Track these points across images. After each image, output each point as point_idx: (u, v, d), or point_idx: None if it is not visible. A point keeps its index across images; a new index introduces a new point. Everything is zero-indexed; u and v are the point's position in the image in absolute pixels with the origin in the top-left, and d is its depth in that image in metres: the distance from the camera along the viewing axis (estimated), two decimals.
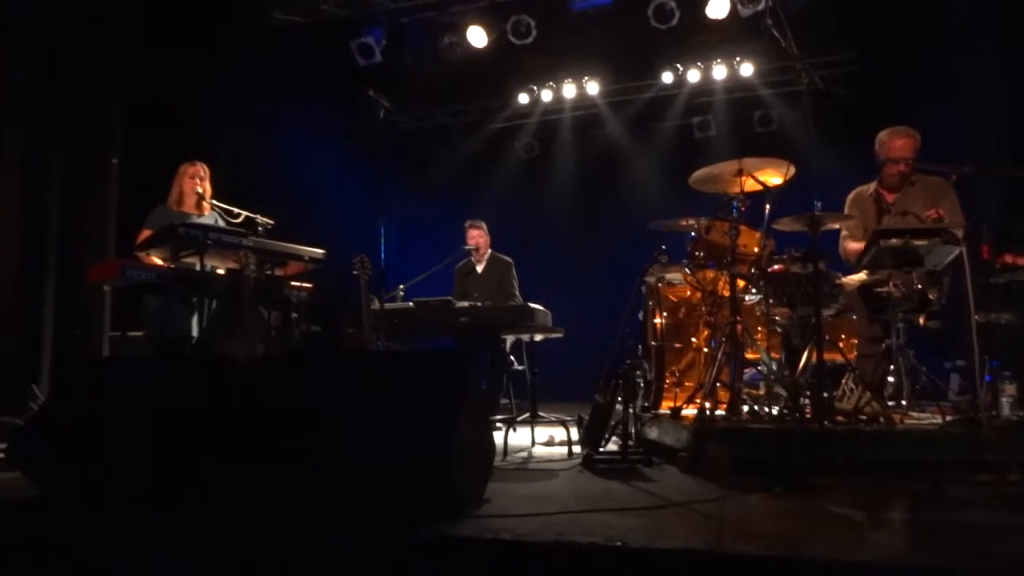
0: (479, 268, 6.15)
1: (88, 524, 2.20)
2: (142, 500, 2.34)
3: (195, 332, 4.50)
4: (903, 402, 3.74)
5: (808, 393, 3.62)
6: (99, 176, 5.19)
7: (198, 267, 3.91)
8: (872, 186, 4.44)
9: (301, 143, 7.38)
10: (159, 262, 4.14)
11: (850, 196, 4.52)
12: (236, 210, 4.48)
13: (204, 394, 2.68)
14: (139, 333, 4.43)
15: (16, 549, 2.19)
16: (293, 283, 4.50)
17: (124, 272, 3.82)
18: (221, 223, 4.50)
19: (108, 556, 2.11)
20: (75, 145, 5.04)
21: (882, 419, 3.29)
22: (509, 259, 6.17)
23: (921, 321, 3.81)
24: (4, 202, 4.71)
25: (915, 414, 3.69)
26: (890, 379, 3.79)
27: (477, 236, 6.10)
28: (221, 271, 4.30)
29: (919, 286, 3.64)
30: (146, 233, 4.44)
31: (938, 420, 3.36)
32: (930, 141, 4.34)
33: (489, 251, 6.19)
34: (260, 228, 4.39)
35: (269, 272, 4.20)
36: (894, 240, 3.52)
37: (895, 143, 4.27)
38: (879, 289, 3.83)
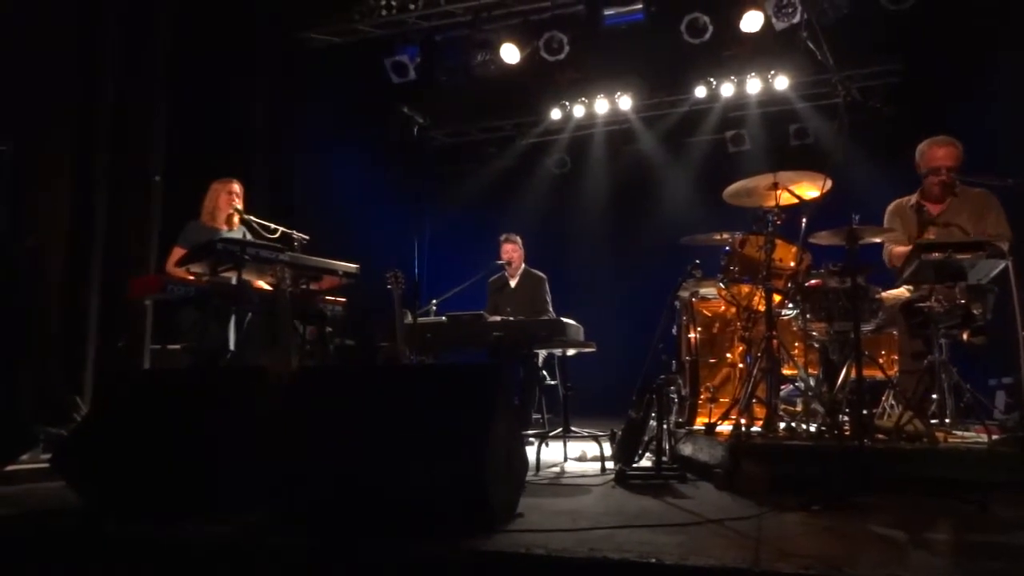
0: (512, 283, 6.15)
1: (124, 535, 2.24)
2: (180, 511, 2.37)
3: (231, 345, 4.58)
4: (946, 420, 3.63)
5: (847, 410, 3.54)
6: (142, 193, 5.31)
7: (234, 281, 3.99)
8: (913, 197, 4.34)
9: (336, 159, 7.51)
10: (191, 277, 4.23)
11: (890, 207, 4.42)
12: (272, 225, 4.56)
13: (240, 407, 2.72)
14: (178, 346, 4.52)
15: (55, 557, 2.24)
16: (328, 297, 4.56)
17: (166, 287, 3.92)
18: (249, 237, 4.60)
19: (144, 568, 2.14)
20: (119, 164, 5.18)
21: (925, 437, 3.20)
22: (542, 275, 6.15)
23: (965, 337, 3.70)
24: (54, 220, 4.87)
25: (959, 432, 3.59)
26: (933, 396, 3.69)
27: (511, 251, 6.11)
28: (262, 285, 4.38)
29: (962, 300, 3.55)
30: (179, 249, 4.55)
31: (984, 439, 3.26)
32: (973, 154, 4.24)
33: (523, 266, 6.18)
34: (296, 243, 4.47)
35: (304, 286, 4.27)
36: (936, 254, 3.44)
37: (936, 152, 4.15)
38: (921, 304, 3.75)
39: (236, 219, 4.77)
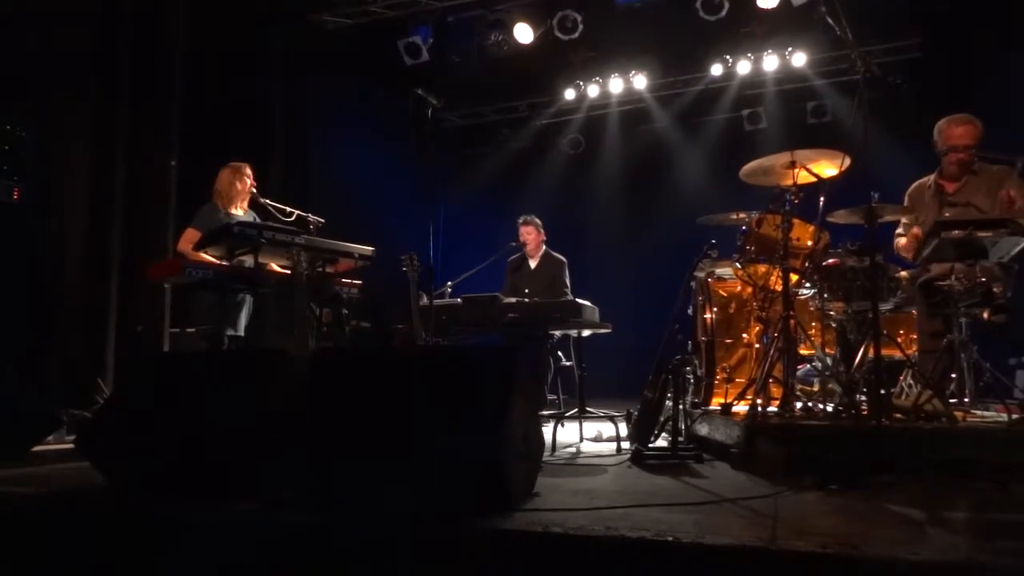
0: (532, 263, 6.14)
1: (147, 514, 2.28)
2: (200, 491, 2.41)
3: (241, 330, 4.62)
4: (966, 400, 3.60)
5: (864, 390, 3.52)
6: (159, 178, 5.35)
7: (248, 264, 4.02)
8: (931, 178, 4.29)
9: (350, 142, 7.51)
10: (209, 260, 4.27)
11: (909, 189, 4.38)
12: (288, 209, 4.58)
13: (258, 388, 2.74)
14: (194, 329, 4.57)
15: (81, 536, 2.29)
16: (344, 280, 4.58)
17: (184, 270, 3.95)
18: (257, 220, 4.63)
19: (168, 544, 2.19)
20: (137, 150, 5.22)
21: (943, 417, 3.18)
22: (563, 258, 6.12)
23: (985, 315, 3.65)
24: (75, 204, 4.92)
25: (978, 412, 3.56)
26: (952, 376, 3.66)
27: (525, 233, 6.09)
28: (276, 268, 4.41)
29: (983, 279, 3.50)
30: (193, 231, 4.58)
31: (1003, 418, 3.24)
32: (996, 130, 4.17)
33: (544, 248, 6.16)
34: (311, 226, 4.49)
35: (320, 269, 4.29)
36: (956, 232, 3.39)
37: (954, 131, 4.10)
38: (940, 283, 3.70)
39: (248, 202, 4.80)
